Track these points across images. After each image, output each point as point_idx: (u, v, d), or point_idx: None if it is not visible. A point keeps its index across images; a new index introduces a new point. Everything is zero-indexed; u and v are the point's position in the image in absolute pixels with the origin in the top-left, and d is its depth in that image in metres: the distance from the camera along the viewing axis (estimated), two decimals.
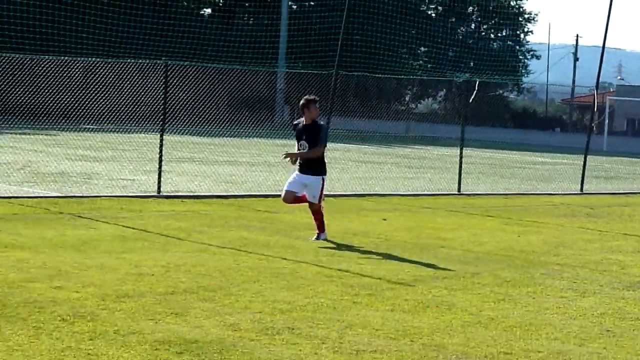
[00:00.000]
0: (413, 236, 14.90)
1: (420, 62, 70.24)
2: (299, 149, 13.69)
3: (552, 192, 26.15)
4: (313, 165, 13.65)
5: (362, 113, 50.18)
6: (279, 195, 14.69)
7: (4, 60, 27.63)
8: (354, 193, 21.96)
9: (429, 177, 27.95)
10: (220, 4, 63.90)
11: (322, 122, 14.14)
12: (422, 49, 68.55)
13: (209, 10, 64.09)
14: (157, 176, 19.22)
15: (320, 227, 13.69)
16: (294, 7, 63.03)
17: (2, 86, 31.30)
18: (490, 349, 7.85)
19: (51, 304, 8.52)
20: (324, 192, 13.89)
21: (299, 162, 13.78)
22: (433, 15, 76.25)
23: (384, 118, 55.97)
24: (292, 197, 13.77)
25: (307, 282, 10.30)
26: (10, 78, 30.55)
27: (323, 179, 13.73)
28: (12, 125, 38.23)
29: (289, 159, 13.88)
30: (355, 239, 14.17)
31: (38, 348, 7.08)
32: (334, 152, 27.51)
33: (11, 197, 17.03)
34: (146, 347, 7.31)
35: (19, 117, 37.86)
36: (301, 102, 13.80)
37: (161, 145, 19.52)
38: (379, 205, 19.49)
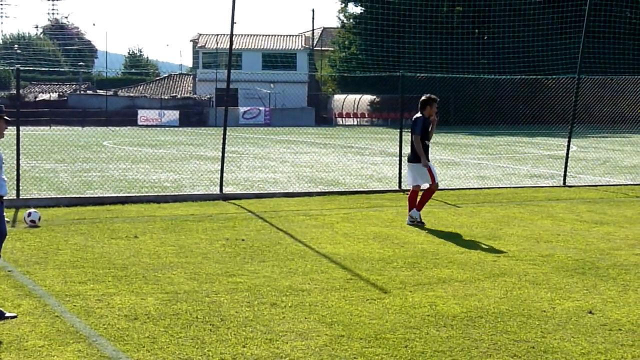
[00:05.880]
0: None
1: None
2: None
3: None
4: None
5: None
6: None
7: (590, 81, 27.45)
8: None
9: None
10: None
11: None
12: None
13: None
14: None
15: None
16: None
17: (589, 101, 31.19)
18: None
19: (634, 267, 8.26)
20: None
21: None
22: None
23: None
24: None
25: None
26: (593, 95, 30.32)
27: None
28: (594, 131, 37.94)
29: None
30: None
31: (626, 300, 6.91)
32: None
33: (597, 185, 16.90)
34: None
35: (600, 124, 37.56)
36: None
37: None
38: None
